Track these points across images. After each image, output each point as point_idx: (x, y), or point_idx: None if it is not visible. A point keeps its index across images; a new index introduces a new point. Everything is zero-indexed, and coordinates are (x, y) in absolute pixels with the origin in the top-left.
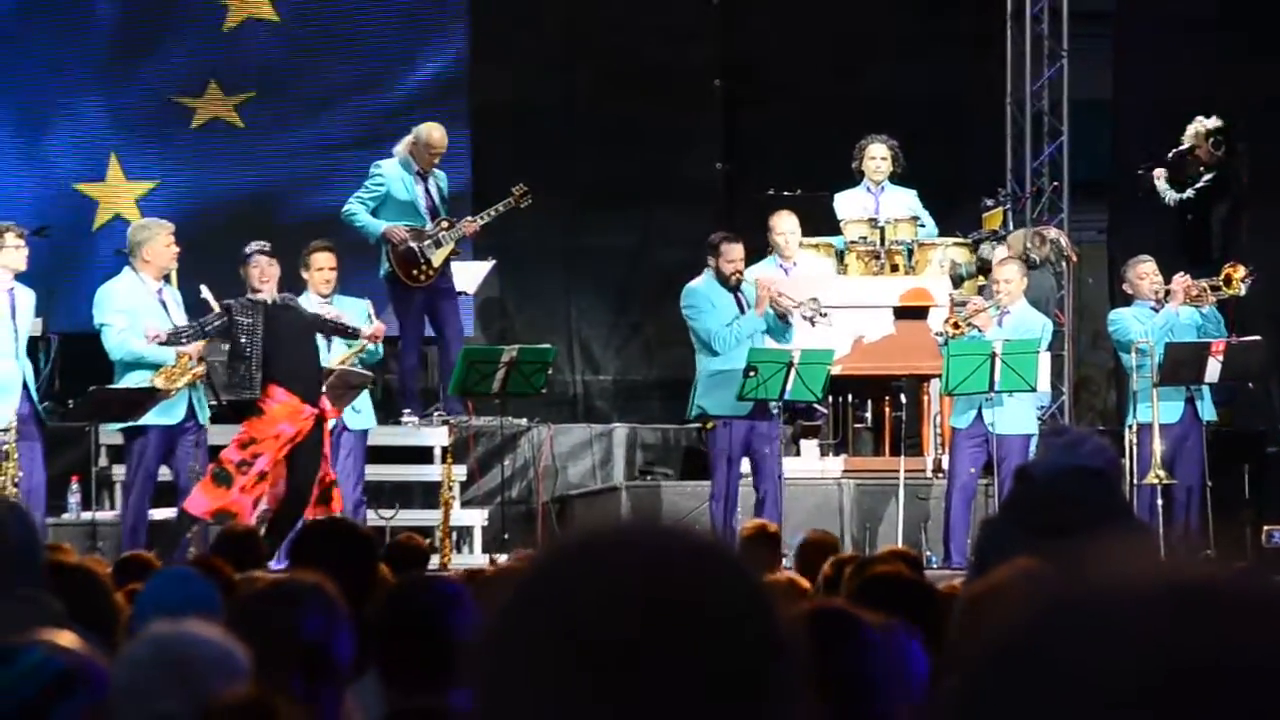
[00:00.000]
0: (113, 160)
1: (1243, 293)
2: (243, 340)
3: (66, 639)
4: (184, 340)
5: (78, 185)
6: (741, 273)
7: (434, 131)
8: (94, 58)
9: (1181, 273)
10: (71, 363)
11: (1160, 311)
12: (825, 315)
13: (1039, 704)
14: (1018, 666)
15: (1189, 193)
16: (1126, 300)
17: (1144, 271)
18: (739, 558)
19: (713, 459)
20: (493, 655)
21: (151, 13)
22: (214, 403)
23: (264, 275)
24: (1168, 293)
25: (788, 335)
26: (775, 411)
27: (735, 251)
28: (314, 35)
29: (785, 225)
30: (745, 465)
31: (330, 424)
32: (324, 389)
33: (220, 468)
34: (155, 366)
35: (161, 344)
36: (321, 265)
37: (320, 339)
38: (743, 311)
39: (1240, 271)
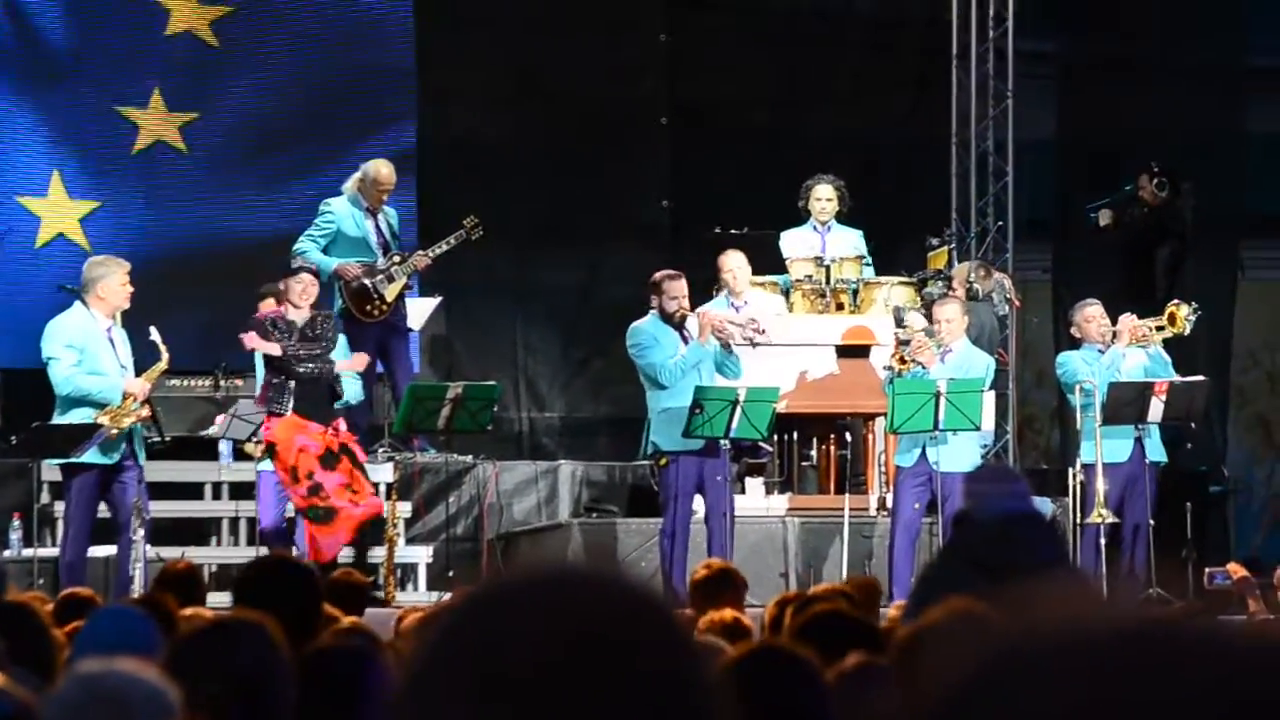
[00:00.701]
0: (55, 178)
1: (1187, 331)
2: (280, 358)
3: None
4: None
5: (20, 198)
6: (686, 309)
7: (382, 168)
8: (34, 64)
9: (1128, 314)
10: (15, 398)
11: (1107, 352)
12: (764, 332)
13: None
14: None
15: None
16: (1073, 342)
17: (1091, 315)
18: (665, 603)
19: (665, 494)
20: (413, 698)
21: (93, 15)
22: (157, 439)
23: (305, 293)
24: (1114, 334)
25: (737, 370)
26: (725, 448)
27: (678, 288)
28: (255, 64)
29: (732, 262)
30: (697, 502)
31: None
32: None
33: (312, 509)
34: (100, 405)
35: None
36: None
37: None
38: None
39: (1184, 310)
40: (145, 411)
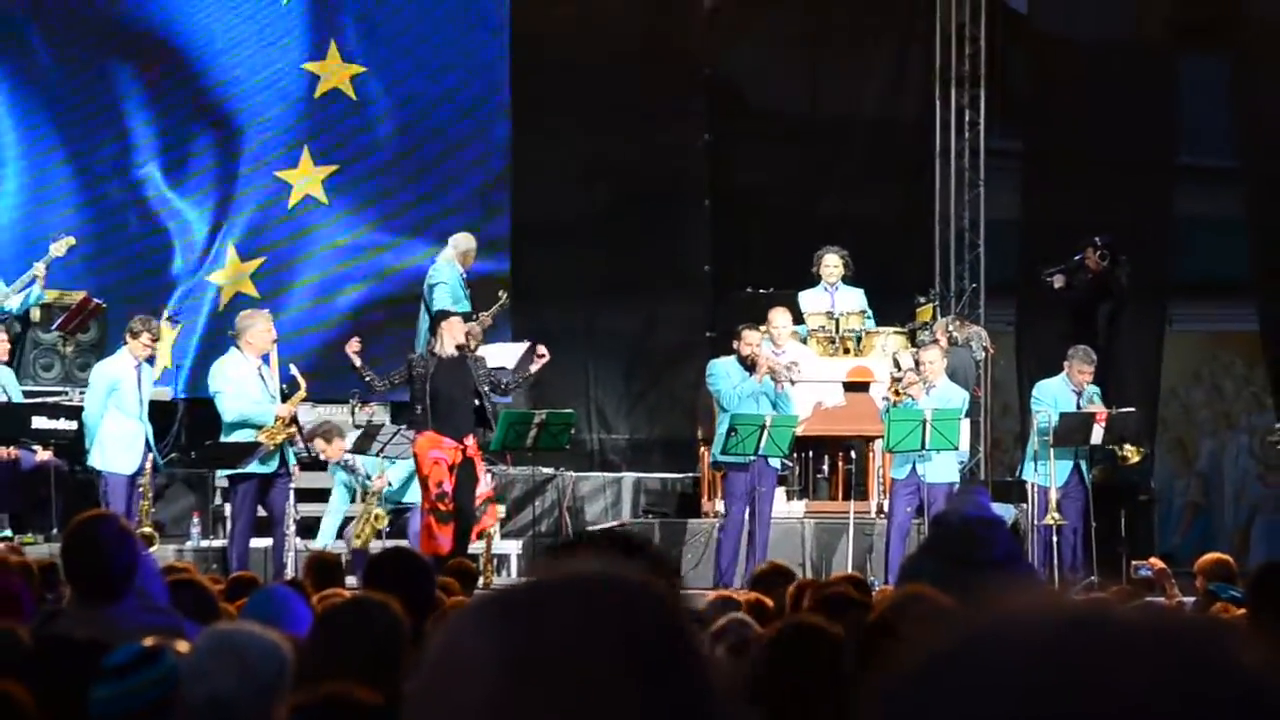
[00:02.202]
0: (230, 250)
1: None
2: (417, 388)
3: (184, 647)
4: (376, 385)
5: (208, 276)
6: (756, 352)
7: (472, 240)
8: (214, 153)
9: (1102, 408)
10: (195, 421)
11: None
12: (801, 373)
13: None
14: (917, 696)
15: (1058, 278)
16: (1048, 373)
17: (1085, 369)
18: (668, 594)
19: (725, 499)
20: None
21: (251, 86)
22: (304, 453)
23: (454, 334)
24: (1086, 392)
25: (787, 407)
26: (776, 466)
27: (751, 336)
28: (384, 119)
29: (779, 320)
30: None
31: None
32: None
33: (436, 510)
34: (258, 426)
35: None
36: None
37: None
38: None
39: (1138, 454)
40: (293, 430)
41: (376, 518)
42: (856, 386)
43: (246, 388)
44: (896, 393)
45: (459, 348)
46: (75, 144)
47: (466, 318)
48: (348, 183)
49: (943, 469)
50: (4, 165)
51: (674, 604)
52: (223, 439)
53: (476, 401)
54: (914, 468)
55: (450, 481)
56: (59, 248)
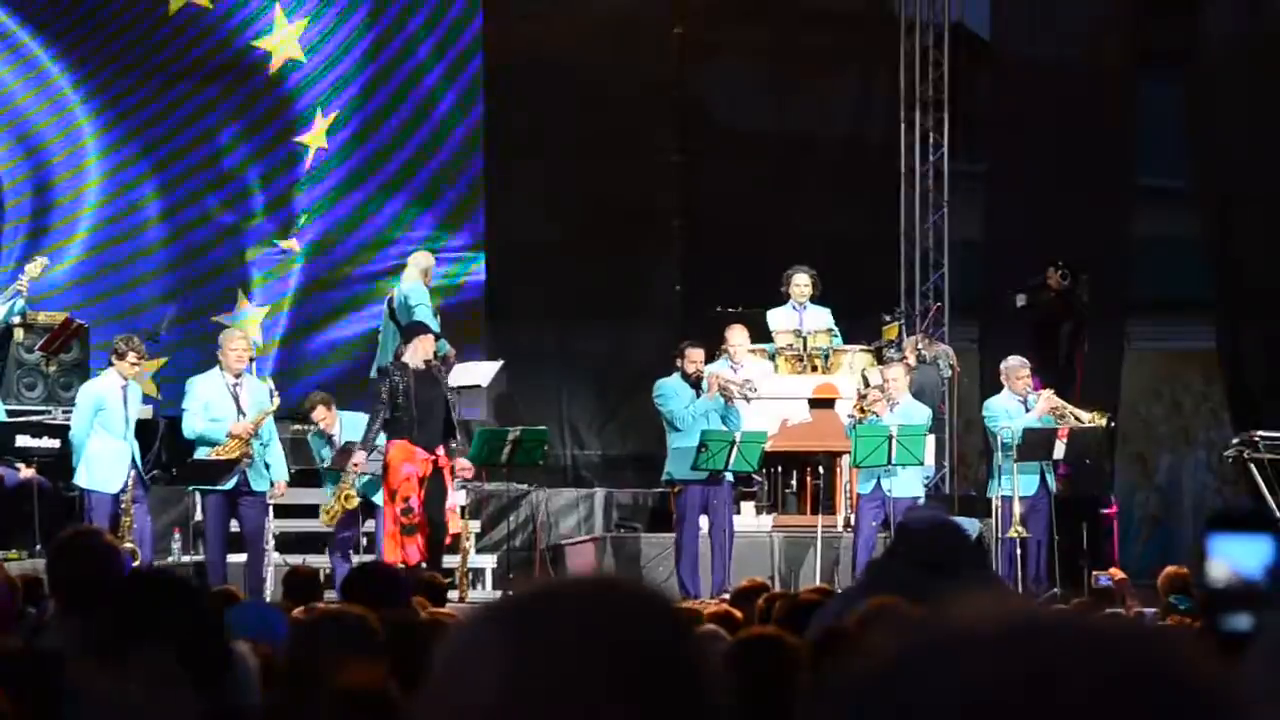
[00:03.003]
0: (240, 295)
1: (1101, 424)
2: (399, 400)
3: None
4: (380, 415)
5: (215, 318)
6: (702, 370)
7: (432, 257)
8: (226, 202)
9: (1050, 391)
10: (175, 438)
11: (1029, 413)
12: (755, 390)
13: None
14: (875, 698)
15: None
16: (997, 388)
17: (1022, 374)
18: (669, 603)
19: (679, 515)
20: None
21: (273, 165)
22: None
23: (424, 349)
24: (1034, 395)
25: (737, 423)
26: (729, 479)
27: (696, 355)
28: (351, 164)
29: (736, 338)
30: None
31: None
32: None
33: (406, 523)
34: (214, 443)
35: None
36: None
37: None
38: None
39: (1105, 418)
40: (250, 448)
41: (348, 497)
42: (823, 403)
43: (212, 405)
44: (862, 410)
45: (426, 363)
46: (162, 173)
47: (436, 337)
48: (314, 231)
49: (908, 484)
50: (86, 189)
51: (675, 611)
52: (196, 456)
53: (445, 413)
54: (879, 483)
55: (418, 495)
56: (34, 268)
